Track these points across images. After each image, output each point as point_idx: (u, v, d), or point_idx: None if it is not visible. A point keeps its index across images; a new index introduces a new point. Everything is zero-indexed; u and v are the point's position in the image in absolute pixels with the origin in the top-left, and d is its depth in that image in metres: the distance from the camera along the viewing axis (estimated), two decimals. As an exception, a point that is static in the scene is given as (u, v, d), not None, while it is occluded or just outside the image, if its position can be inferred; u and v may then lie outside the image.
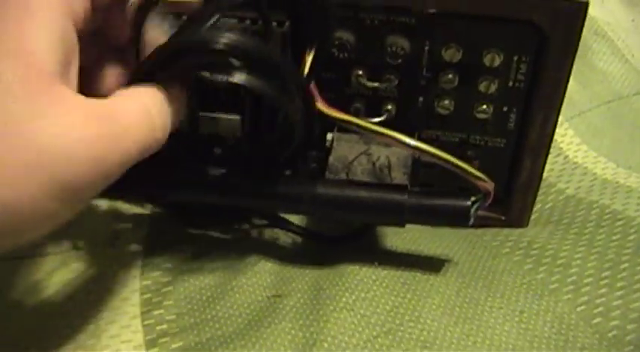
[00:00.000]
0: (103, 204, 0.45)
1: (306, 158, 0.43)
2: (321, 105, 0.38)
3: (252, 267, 0.41)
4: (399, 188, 0.38)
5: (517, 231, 0.43)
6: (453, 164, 0.36)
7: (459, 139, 0.43)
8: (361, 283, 0.39)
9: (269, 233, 0.43)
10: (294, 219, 0.44)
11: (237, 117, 0.39)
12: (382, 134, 0.36)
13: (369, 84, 0.41)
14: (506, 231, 0.44)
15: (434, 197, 0.38)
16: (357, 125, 0.37)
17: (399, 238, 0.42)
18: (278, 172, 0.39)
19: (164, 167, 0.38)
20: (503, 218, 0.45)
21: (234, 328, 0.37)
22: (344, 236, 0.43)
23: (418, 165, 0.41)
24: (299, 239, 0.43)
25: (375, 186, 0.38)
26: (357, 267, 0.40)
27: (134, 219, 0.44)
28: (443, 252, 0.42)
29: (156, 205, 0.45)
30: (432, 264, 0.41)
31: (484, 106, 0.41)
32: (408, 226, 0.42)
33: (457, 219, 0.38)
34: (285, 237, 0.43)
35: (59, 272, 0.41)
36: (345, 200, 0.37)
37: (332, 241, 0.43)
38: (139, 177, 0.35)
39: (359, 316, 0.38)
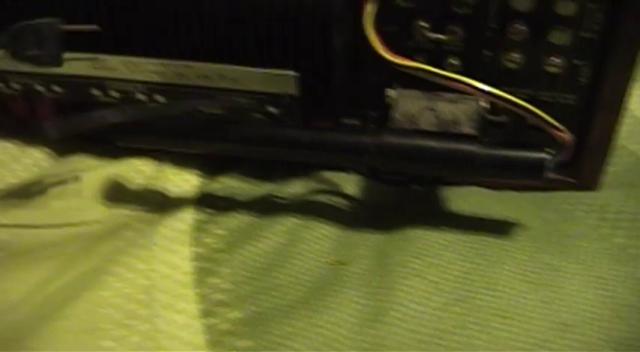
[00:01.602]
0: (149, 168, 0.42)
1: (365, 117, 0.40)
2: (386, 54, 0.35)
3: (312, 232, 0.38)
4: (470, 138, 0.35)
5: (589, 194, 0.41)
6: (529, 111, 0.34)
7: (526, 96, 0.40)
8: (429, 248, 0.37)
9: (327, 198, 0.40)
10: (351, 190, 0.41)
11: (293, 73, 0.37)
12: (456, 80, 0.34)
13: (433, 36, 0.38)
14: (576, 194, 0.41)
15: (506, 148, 0.35)
16: (428, 72, 0.34)
17: (463, 201, 0.40)
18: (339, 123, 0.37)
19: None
20: (572, 180, 0.42)
21: (296, 297, 0.35)
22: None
23: (485, 122, 0.39)
24: (358, 205, 0.40)
25: (444, 136, 0.36)
26: (423, 231, 0.38)
27: (183, 183, 0.42)
28: (511, 215, 0.39)
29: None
30: (501, 228, 0.38)
31: (555, 59, 0.38)
32: (473, 188, 0.40)
33: (531, 171, 0.35)
34: (344, 201, 0.40)
35: (107, 240, 0.38)
36: (413, 149, 0.35)
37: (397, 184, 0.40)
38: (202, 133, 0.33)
39: (428, 282, 0.35)
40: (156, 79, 0.40)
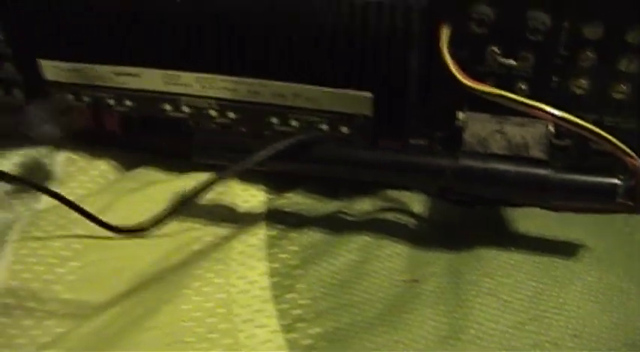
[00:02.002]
0: (221, 188, 0.43)
1: (432, 138, 0.41)
2: (463, 78, 0.36)
3: (384, 250, 0.39)
4: (542, 162, 0.37)
5: (648, 218, 0.42)
6: (601, 137, 0.35)
7: (591, 121, 0.41)
8: (499, 267, 0.38)
9: (395, 216, 0.41)
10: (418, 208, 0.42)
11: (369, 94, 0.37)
12: (533, 107, 0.35)
13: (504, 61, 0.39)
14: (636, 217, 0.42)
15: (578, 173, 0.36)
16: (506, 98, 0.35)
17: (527, 222, 0.41)
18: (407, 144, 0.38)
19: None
20: (631, 204, 0.43)
21: (374, 313, 0.36)
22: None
23: (551, 146, 0.40)
24: (426, 223, 0.41)
25: (517, 160, 0.37)
26: (492, 251, 0.38)
27: (251, 199, 0.43)
28: (574, 237, 0.40)
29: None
30: (566, 249, 0.39)
31: (622, 86, 0.39)
32: (535, 210, 0.40)
33: (603, 196, 0.36)
34: (412, 220, 0.41)
35: (179, 253, 0.39)
36: (489, 172, 0.36)
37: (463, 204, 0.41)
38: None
39: (501, 301, 0.36)
40: (229, 96, 0.41)
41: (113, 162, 0.46)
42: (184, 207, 0.39)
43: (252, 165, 0.37)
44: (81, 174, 0.45)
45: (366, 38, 0.38)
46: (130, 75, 0.42)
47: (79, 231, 0.41)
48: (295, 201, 0.42)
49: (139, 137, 0.46)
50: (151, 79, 0.42)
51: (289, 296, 0.37)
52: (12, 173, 0.44)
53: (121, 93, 0.43)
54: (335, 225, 0.41)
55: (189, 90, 0.42)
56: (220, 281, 0.37)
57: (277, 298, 0.36)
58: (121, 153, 0.47)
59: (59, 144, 0.46)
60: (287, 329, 0.35)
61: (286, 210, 0.42)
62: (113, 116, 0.45)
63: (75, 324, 0.36)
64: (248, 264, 0.38)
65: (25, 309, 0.37)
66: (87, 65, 0.43)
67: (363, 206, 0.42)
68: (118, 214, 0.42)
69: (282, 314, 0.36)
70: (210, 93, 0.41)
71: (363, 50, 0.38)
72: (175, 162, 0.45)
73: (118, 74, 0.43)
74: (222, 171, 0.39)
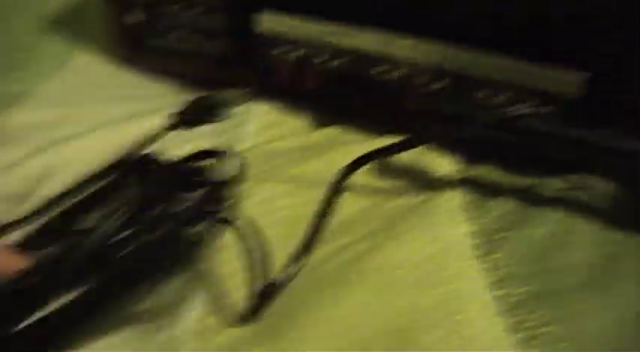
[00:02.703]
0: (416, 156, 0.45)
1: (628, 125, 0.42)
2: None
3: (579, 226, 0.41)
4: None
5: None
6: None
7: None
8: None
9: (587, 195, 0.43)
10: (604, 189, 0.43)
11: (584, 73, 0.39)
12: None
13: None
14: None
15: None
16: None
17: None
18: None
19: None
20: None
21: (579, 279, 0.37)
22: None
23: None
24: (614, 203, 0.42)
25: None
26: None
27: (445, 166, 0.44)
28: None
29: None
30: None
31: None
32: None
33: None
34: (601, 199, 0.42)
35: (383, 205, 0.41)
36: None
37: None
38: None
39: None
40: (442, 66, 0.43)
41: (305, 119, 0.48)
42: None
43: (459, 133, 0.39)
44: (274, 126, 0.47)
45: (591, 16, 0.39)
46: (346, 34, 0.44)
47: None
48: (487, 173, 0.44)
49: (335, 97, 0.48)
50: (367, 40, 0.44)
51: (493, 256, 0.38)
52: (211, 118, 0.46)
53: (333, 51, 0.45)
54: (528, 198, 0.42)
55: (403, 55, 0.43)
56: (428, 235, 0.39)
57: (481, 258, 0.38)
58: (313, 111, 0.49)
59: (256, 96, 0.48)
60: (494, 286, 0.37)
61: (480, 181, 0.43)
62: (312, 74, 0.47)
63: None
64: (452, 223, 0.40)
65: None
66: (305, 20, 0.45)
67: (554, 184, 0.43)
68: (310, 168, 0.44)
69: (487, 272, 0.37)
70: (425, 60, 0.43)
71: (585, 29, 0.39)
72: (363, 123, 0.47)
73: (335, 32, 0.44)
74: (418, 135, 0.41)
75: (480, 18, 0.41)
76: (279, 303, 0.35)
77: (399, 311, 0.35)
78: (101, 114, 0.49)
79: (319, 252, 0.38)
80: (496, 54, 0.41)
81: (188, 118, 0.40)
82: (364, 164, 0.41)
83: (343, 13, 0.44)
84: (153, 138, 0.39)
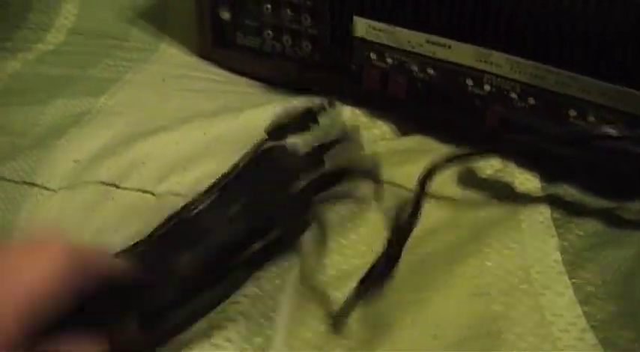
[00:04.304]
0: (497, 163, 0.46)
1: None
2: None
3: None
4: None
5: None
6: None
7: None
8: None
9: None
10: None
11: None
12: None
13: None
14: None
15: None
16: None
17: None
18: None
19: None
20: None
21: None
22: None
23: None
24: None
25: None
26: None
27: (527, 182, 0.45)
28: None
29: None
30: None
31: None
32: None
33: None
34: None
35: (468, 213, 0.42)
36: None
37: None
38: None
39: None
40: (535, 82, 0.44)
41: (392, 125, 0.49)
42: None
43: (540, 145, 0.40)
44: (363, 129, 0.48)
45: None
46: (442, 45, 0.45)
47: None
48: (569, 192, 0.45)
49: (422, 106, 0.48)
50: (462, 53, 0.45)
51: (581, 273, 0.39)
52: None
53: (426, 61, 0.46)
54: (613, 218, 0.43)
55: (497, 70, 0.44)
56: (516, 247, 0.40)
57: (570, 273, 0.39)
58: (399, 117, 0.50)
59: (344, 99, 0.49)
60: (583, 302, 0.37)
61: (563, 198, 0.44)
62: (401, 82, 0.48)
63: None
64: (540, 237, 0.41)
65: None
66: (402, 29, 0.46)
67: (636, 206, 0.44)
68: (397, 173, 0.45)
69: (576, 288, 0.38)
70: (517, 76, 0.44)
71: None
72: (445, 134, 0.48)
73: (430, 43, 0.45)
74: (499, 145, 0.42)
75: (573, 39, 0.42)
76: (369, 306, 0.36)
77: (490, 316, 0.36)
78: (190, 106, 0.50)
79: (407, 257, 0.38)
80: (588, 75, 0.42)
81: (287, 126, 0.41)
82: (443, 168, 0.41)
83: (440, 26, 0.45)
84: (258, 146, 0.40)
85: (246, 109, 0.49)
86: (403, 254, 0.37)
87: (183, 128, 0.48)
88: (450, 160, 0.42)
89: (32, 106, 0.51)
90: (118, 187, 0.44)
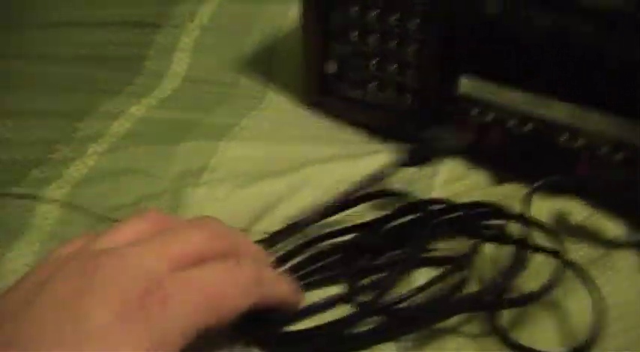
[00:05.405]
0: (586, 210, 0.50)
1: None
2: None
3: None
4: None
5: None
6: None
7: None
8: None
9: None
10: None
11: None
12: None
13: None
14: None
15: None
16: None
17: None
18: None
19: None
20: None
21: None
22: None
23: None
24: None
25: None
26: None
27: (614, 229, 0.50)
28: None
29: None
30: None
31: None
32: None
33: None
34: None
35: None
36: None
37: None
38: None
39: None
40: (623, 138, 0.48)
41: (486, 175, 0.54)
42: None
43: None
44: (460, 180, 0.53)
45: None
46: (537, 104, 0.50)
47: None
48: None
49: (518, 158, 0.53)
50: (559, 111, 0.50)
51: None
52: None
53: (524, 117, 0.51)
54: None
55: (588, 128, 0.49)
56: (607, 287, 0.44)
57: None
58: (494, 168, 0.55)
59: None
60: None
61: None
62: (500, 136, 0.53)
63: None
64: (630, 280, 0.45)
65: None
66: (506, 88, 0.51)
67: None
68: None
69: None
70: (606, 133, 0.49)
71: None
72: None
73: (526, 101, 0.51)
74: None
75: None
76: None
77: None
78: (302, 152, 0.56)
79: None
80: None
81: (416, 158, 0.47)
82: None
83: (536, 84, 0.50)
84: (382, 175, 0.45)
85: (362, 156, 0.54)
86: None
87: (304, 173, 0.53)
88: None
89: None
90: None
